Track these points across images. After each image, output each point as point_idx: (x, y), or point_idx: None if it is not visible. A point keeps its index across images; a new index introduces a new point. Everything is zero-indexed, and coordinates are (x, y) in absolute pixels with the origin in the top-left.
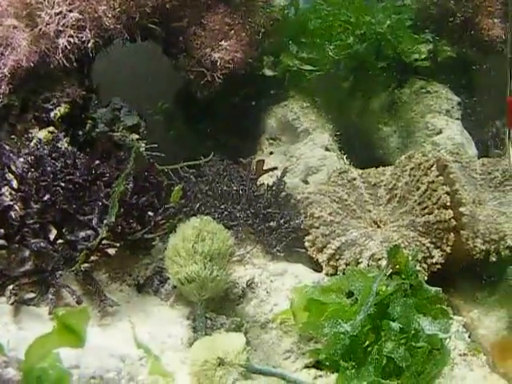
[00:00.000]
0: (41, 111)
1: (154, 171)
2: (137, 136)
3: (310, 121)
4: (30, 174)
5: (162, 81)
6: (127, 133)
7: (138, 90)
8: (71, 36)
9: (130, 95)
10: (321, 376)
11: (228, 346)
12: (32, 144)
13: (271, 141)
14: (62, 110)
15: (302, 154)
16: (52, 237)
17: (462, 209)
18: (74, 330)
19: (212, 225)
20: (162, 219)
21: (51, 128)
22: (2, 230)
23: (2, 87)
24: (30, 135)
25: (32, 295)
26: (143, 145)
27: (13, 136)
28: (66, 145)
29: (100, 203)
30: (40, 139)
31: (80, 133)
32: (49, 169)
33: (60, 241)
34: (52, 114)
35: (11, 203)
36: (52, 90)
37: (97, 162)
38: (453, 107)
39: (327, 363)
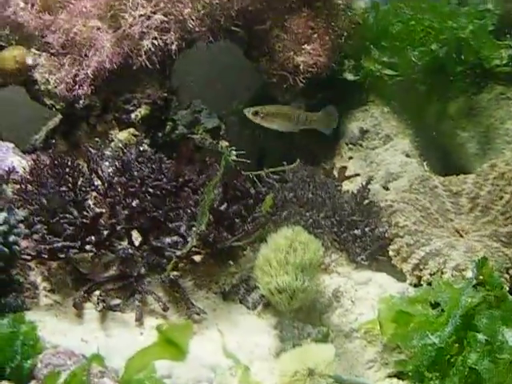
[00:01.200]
0: (121, 112)
1: (242, 178)
2: (226, 143)
3: (391, 126)
4: (116, 178)
5: (239, 82)
6: (207, 135)
7: (215, 91)
8: (155, 38)
9: (206, 95)
10: None
11: (318, 357)
12: (113, 145)
13: (351, 146)
14: (142, 111)
15: (382, 160)
16: (135, 242)
17: None
18: (175, 344)
19: (304, 235)
20: (252, 228)
21: (131, 129)
22: (93, 237)
23: (85, 88)
24: (110, 136)
25: (117, 301)
26: (234, 152)
27: (96, 138)
28: (146, 147)
29: (189, 210)
30: (125, 142)
31: (159, 134)
32: (136, 174)
33: (145, 246)
34: (133, 116)
35: (103, 210)
36: (133, 91)
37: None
38: None
39: (410, 374)
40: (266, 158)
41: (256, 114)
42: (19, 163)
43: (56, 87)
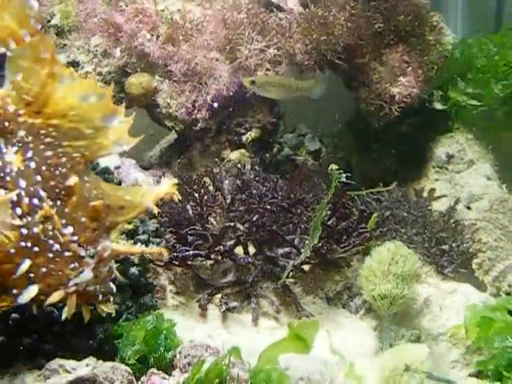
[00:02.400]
0: (233, 135)
1: (347, 198)
2: (336, 166)
3: (474, 152)
4: (238, 195)
5: (338, 109)
6: (309, 157)
7: (316, 116)
8: (268, 69)
9: (308, 119)
10: None
11: (414, 356)
12: (227, 165)
13: (437, 169)
14: (253, 134)
15: (466, 182)
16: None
17: None
18: (303, 339)
19: (404, 249)
20: (358, 242)
21: (242, 150)
22: (222, 247)
23: (203, 113)
24: (222, 156)
25: (235, 304)
26: (344, 175)
27: (216, 159)
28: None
29: (302, 225)
30: (238, 162)
31: (267, 155)
32: (255, 192)
33: (259, 256)
34: (244, 138)
35: (231, 224)
36: (244, 115)
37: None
38: None
39: (490, 373)
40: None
41: (253, 83)
42: (142, 178)
43: (177, 111)
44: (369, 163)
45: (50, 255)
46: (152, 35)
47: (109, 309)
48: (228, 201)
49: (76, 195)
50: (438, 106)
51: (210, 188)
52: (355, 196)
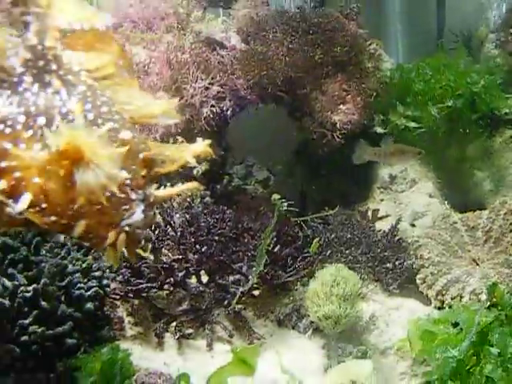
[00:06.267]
0: (184, 168)
1: (291, 224)
2: (278, 196)
3: (416, 171)
4: (187, 229)
5: (284, 138)
6: (259, 186)
7: (264, 146)
8: (213, 106)
9: (257, 150)
10: None
11: (359, 371)
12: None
13: (382, 189)
14: (203, 167)
15: (409, 201)
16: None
17: None
18: (247, 363)
19: (345, 271)
20: (302, 266)
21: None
22: (172, 279)
23: None
24: None
25: (190, 330)
26: (285, 204)
27: None
28: (208, 199)
29: (249, 253)
30: (192, 197)
31: (218, 186)
32: (203, 224)
33: (212, 284)
34: (194, 171)
35: (179, 256)
36: None
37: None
38: None
39: (435, 383)
40: (308, 200)
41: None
42: None
43: None
44: (319, 187)
45: (107, 194)
46: None
47: (146, 253)
48: (178, 234)
49: (128, 146)
50: (379, 129)
51: (161, 223)
52: (301, 222)
